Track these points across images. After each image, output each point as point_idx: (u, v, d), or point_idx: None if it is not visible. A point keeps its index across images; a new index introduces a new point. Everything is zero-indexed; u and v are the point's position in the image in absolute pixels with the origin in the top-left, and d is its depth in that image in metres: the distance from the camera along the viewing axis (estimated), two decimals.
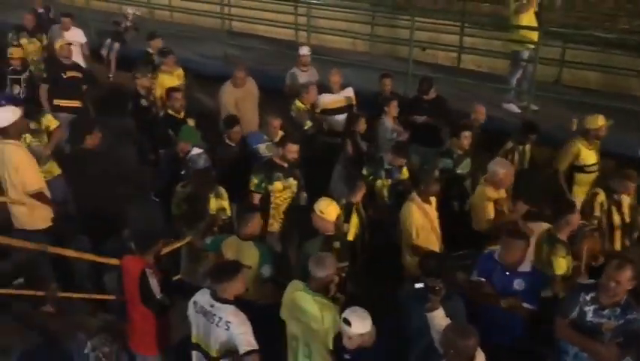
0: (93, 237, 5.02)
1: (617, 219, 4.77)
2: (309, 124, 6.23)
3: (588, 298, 3.34)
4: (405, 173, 5.18)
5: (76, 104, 6.95)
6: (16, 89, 7.25)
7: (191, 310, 3.42)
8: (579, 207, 4.78)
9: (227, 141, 5.53)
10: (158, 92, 6.79)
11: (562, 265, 3.96)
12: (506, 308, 3.66)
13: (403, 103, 6.33)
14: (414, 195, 4.52)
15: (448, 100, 6.66)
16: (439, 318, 3.24)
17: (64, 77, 6.93)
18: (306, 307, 3.39)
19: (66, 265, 4.78)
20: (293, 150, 4.90)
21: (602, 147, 5.53)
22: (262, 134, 5.85)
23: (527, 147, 5.67)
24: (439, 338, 3.12)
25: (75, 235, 5.06)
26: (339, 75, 6.60)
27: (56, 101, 6.83)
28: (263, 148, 5.59)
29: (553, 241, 4.04)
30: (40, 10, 9.04)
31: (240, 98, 6.56)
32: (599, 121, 5.33)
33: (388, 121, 6.05)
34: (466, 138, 5.35)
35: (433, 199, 4.62)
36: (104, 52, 9.22)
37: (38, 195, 4.61)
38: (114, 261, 4.25)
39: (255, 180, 4.89)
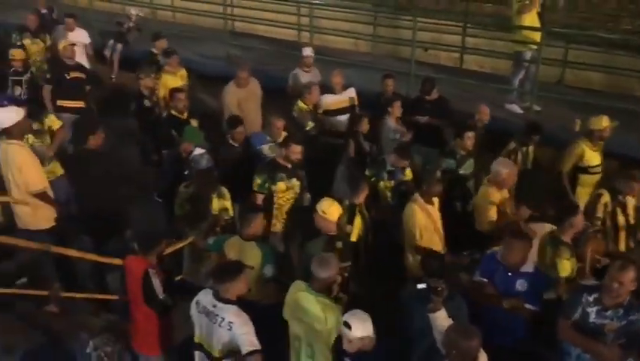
0: (96, 237, 5.03)
1: (621, 220, 4.75)
2: (311, 124, 6.23)
3: (591, 299, 3.34)
4: (408, 174, 5.16)
5: (79, 104, 6.95)
6: (18, 91, 7.25)
7: (193, 311, 3.43)
8: (582, 208, 4.78)
9: (230, 141, 5.54)
10: (162, 92, 6.81)
11: (566, 267, 3.95)
12: (508, 309, 3.66)
13: (406, 103, 6.33)
14: (416, 195, 4.52)
15: (451, 100, 6.66)
16: (441, 319, 3.24)
17: (68, 77, 6.94)
18: (308, 307, 3.39)
19: (69, 265, 4.79)
20: (296, 150, 4.91)
21: (605, 148, 5.52)
22: (265, 135, 5.85)
23: (530, 147, 5.66)
24: (441, 338, 3.12)
25: (78, 235, 5.08)
26: (341, 76, 6.60)
27: (59, 102, 6.84)
28: (266, 149, 5.60)
29: (557, 243, 4.03)
30: (44, 11, 9.05)
31: (242, 98, 6.57)
32: (604, 122, 5.32)
33: (391, 121, 6.04)
34: (470, 138, 5.34)
35: (435, 200, 4.61)
36: (107, 52, 9.24)
37: (41, 195, 4.62)
38: (117, 261, 4.26)
39: (258, 181, 4.90)
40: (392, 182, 5.10)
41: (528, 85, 7.37)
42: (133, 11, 9.67)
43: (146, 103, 6.62)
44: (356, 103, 6.61)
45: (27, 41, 8.12)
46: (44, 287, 4.57)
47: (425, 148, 6.15)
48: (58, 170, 5.50)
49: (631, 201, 4.77)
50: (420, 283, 3.35)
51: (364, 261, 4.55)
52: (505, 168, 4.70)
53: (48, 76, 7.14)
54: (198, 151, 5.28)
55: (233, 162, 5.34)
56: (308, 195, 5.02)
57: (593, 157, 5.35)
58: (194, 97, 6.96)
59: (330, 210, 4.14)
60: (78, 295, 4.68)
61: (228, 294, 3.30)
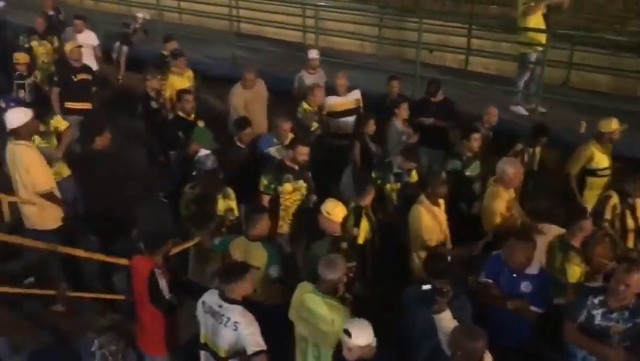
0: (102, 237, 5.06)
1: (630, 222, 4.73)
2: (315, 126, 6.24)
3: (596, 301, 3.34)
4: (413, 176, 5.15)
5: (86, 106, 6.98)
6: (21, 94, 7.25)
7: (199, 311, 3.44)
8: (591, 210, 4.76)
9: (237, 143, 5.54)
10: (168, 92, 6.84)
11: (576, 272, 3.93)
12: (513, 310, 3.65)
13: (411, 105, 6.32)
14: (422, 197, 4.50)
15: (456, 102, 6.66)
16: (446, 320, 3.23)
17: (75, 79, 6.97)
18: (315, 309, 3.39)
19: (76, 265, 4.82)
20: (303, 152, 4.91)
21: (612, 150, 5.51)
22: (272, 137, 5.85)
23: (537, 149, 5.65)
24: (446, 339, 3.12)
25: (85, 235, 5.11)
26: (346, 78, 6.60)
27: (67, 104, 6.87)
28: (273, 151, 5.59)
29: (567, 248, 4.01)
30: (51, 13, 9.10)
31: (249, 99, 6.59)
32: (613, 124, 5.30)
33: (398, 123, 6.03)
34: (476, 140, 5.33)
35: (441, 201, 4.60)
36: (114, 54, 9.30)
37: (48, 196, 4.66)
38: (123, 261, 4.28)
39: (264, 181, 4.91)
40: (398, 184, 5.08)
41: (533, 87, 7.36)
42: (139, 14, 9.72)
43: (153, 104, 6.65)
44: (361, 105, 6.61)
45: (34, 43, 8.16)
46: (51, 287, 4.60)
47: (430, 150, 6.14)
48: (65, 171, 5.52)
49: None
50: (425, 284, 3.35)
51: (371, 263, 4.54)
52: (511, 168, 4.69)
53: (55, 78, 7.17)
54: (204, 152, 5.30)
55: (240, 163, 5.34)
56: (314, 197, 5.02)
57: (601, 160, 5.33)
58: (199, 98, 6.99)
59: (334, 211, 4.15)
60: (85, 295, 4.71)
61: (234, 294, 3.31)
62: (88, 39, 8.23)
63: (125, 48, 9.33)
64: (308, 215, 4.79)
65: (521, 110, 7.29)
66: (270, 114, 6.77)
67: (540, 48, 7.12)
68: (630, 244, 4.78)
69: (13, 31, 9.03)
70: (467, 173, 5.31)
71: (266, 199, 4.89)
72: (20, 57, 7.24)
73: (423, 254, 4.28)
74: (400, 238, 4.65)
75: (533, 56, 7.26)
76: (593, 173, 5.34)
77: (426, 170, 5.68)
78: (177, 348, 3.89)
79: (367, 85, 7.06)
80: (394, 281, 4.30)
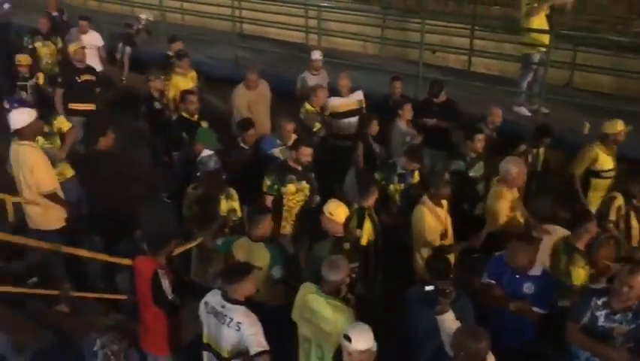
0: (106, 237, 5.07)
1: (635, 224, 4.72)
2: (317, 126, 6.24)
3: (600, 302, 3.34)
4: (416, 177, 5.15)
5: (90, 107, 6.99)
6: (23, 96, 7.22)
7: (202, 311, 3.45)
8: (595, 212, 4.75)
9: (241, 144, 5.55)
10: (172, 93, 6.85)
11: (581, 275, 3.92)
12: (515, 311, 3.65)
13: (414, 106, 6.32)
14: (425, 198, 4.50)
15: (459, 103, 6.65)
16: (449, 321, 3.24)
17: (79, 80, 6.97)
18: (319, 309, 3.39)
19: (79, 265, 4.83)
20: (306, 153, 4.92)
21: (616, 151, 5.49)
22: (275, 138, 5.85)
23: (541, 150, 5.64)
24: (449, 340, 3.12)
25: (88, 236, 5.12)
26: (348, 79, 6.60)
27: (71, 105, 6.86)
28: (277, 152, 5.60)
29: (571, 250, 3.99)
30: (54, 14, 9.12)
31: (252, 100, 6.60)
32: (618, 126, 5.28)
33: (402, 124, 6.03)
34: (480, 140, 5.33)
35: (444, 202, 4.60)
36: (117, 55, 9.32)
37: (52, 196, 4.67)
38: (126, 261, 4.29)
39: (267, 182, 4.92)
40: (402, 185, 5.07)
41: (536, 87, 7.35)
42: (142, 15, 9.75)
43: (156, 105, 6.66)
44: (363, 106, 6.61)
45: (38, 44, 8.18)
46: (55, 287, 4.62)
47: (433, 151, 6.14)
48: (68, 171, 5.52)
49: None
50: (428, 285, 3.35)
51: (374, 265, 4.54)
52: (514, 167, 4.69)
53: (59, 79, 7.17)
54: (206, 153, 5.31)
55: (243, 164, 5.34)
56: (317, 198, 5.03)
57: (606, 161, 5.31)
58: (202, 99, 7.00)
59: (337, 211, 4.15)
60: (88, 295, 4.72)
61: (237, 295, 3.32)
62: (92, 40, 8.25)
63: (127, 49, 9.35)
64: (311, 216, 4.79)
65: (524, 110, 7.28)
66: (273, 115, 6.78)
67: (543, 49, 7.11)
68: (635, 245, 4.76)
69: (15, 31, 9.06)
70: (471, 174, 5.30)
71: (269, 200, 4.90)
72: (22, 59, 7.22)
73: (426, 255, 4.28)
74: (403, 238, 4.65)
75: (536, 57, 7.26)
76: (598, 174, 5.33)
77: (428, 171, 5.68)
78: (180, 348, 3.90)
79: (370, 86, 7.07)
80: (397, 282, 4.30)
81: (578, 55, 8.05)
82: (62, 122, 5.74)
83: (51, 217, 4.73)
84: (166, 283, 3.64)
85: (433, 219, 4.42)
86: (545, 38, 7.09)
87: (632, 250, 4.65)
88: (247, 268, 3.45)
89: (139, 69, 8.82)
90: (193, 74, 7.25)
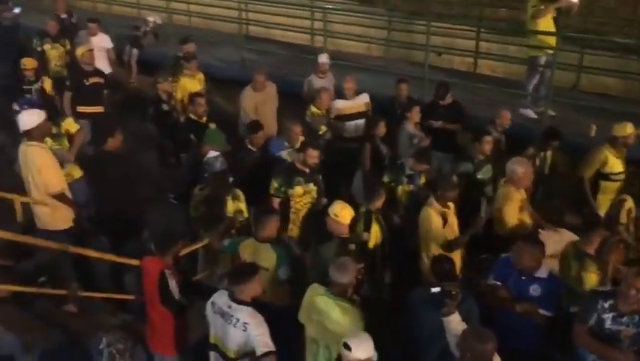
0: (113, 238, 5.10)
1: None
2: (323, 129, 6.26)
3: (606, 305, 3.33)
4: (423, 179, 5.13)
5: (98, 109, 6.99)
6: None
7: (209, 311, 3.46)
8: (604, 215, 4.74)
9: (248, 146, 5.55)
10: (179, 95, 6.87)
11: (593, 281, 3.91)
12: (521, 313, 3.65)
13: (420, 108, 6.32)
14: (432, 200, 4.50)
15: (464, 105, 6.65)
16: (455, 322, 3.24)
17: (87, 83, 6.97)
18: (328, 311, 3.40)
19: (87, 265, 4.86)
20: (313, 155, 4.92)
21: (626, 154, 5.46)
22: (283, 141, 5.85)
23: (548, 153, 5.63)
24: (455, 342, 3.12)
25: (96, 236, 5.15)
26: (353, 82, 6.60)
27: (79, 108, 6.86)
28: (285, 154, 5.61)
29: (582, 256, 3.98)
30: (63, 16, 9.16)
31: (259, 102, 6.62)
32: (628, 129, 5.25)
33: (410, 127, 6.03)
34: (488, 142, 5.32)
35: (451, 204, 4.59)
36: (125, 57, 9.37)
37: (60, 197, 4.70)
38: (134, 261, 4.32)
39: (275, 184, 4.92)
40: (411, 186, 5.07)
41: (543, 90, 7.33)
42: (150, 18, 9.79)
43: (164, 107, 6.69)
44: (369, 108, 6.60)
45: (47, 46, 8.20)
46: (63, 287, 4.65)
47: (439, 153, 6.14)
48: (76, 172, 5.55)
49: None
50: (434, 286, 3.35)
51: (381, 267, 4.54)
52: (520, 167, 4.68)
53: (67, 83, 7.17)
54: (212, 154, 5.33)
55: (250, 166, 5.35)
56: (324, 200, 5.03)
57: (615, 164, 5.29)
58: (209, 101, 7.03)
59: (342, 213, 4.16)
60: (96, 295, 4.75)
61: (243, 295, 3.33)
62: (102, 42, 8.28)
63: (134, 51, 9.39)
64: (316, 217, 4.80)
65: (530, 113, 7.27)
66: (279, 117, 6.80)
67: (550, 51, 7.09)
68: None
69: (24, 33, 9.12)
70: (479, 176, 5.30)
71: (276, 202, 4.90)
72: (28, 62, 7.16)
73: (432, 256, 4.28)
74: (410, 240, 4.65)
75: (543, 59, 7.24)
76: (607, 177, 5.30)
77: (435, 173, 5.68)
78: (187, 349, 3.91)
79: (375, 88, 7.07)
80: (404, 284, 4.30)
81: (584, 57, 8.02)
82: (70, 124, 5.77)
83: (59, 218, 4.76)
84: (173, 284, 3.66)
85: (440, 221, 4.41)
86: (552, 40, 7.07)
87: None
88: (253, 269, 3.46)
89: (146, 71, 8.88)
90: (200, 76, 7.28)
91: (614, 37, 9.16)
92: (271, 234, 4.09)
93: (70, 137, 5.68)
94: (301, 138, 5.64)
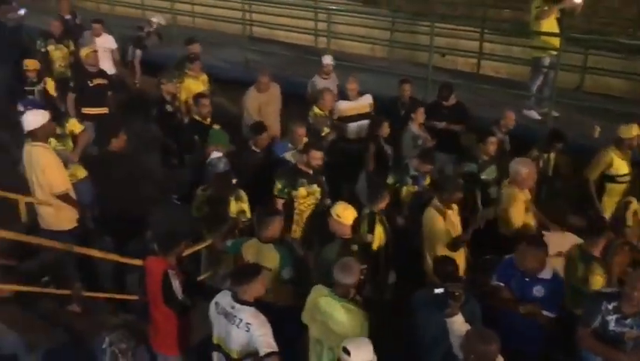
0: (117, 238, 5.11)
1: None
2: (326, 130, 6.25)
3: (610, 307, 3.32)
4: (428, 179, 5.13)
5: (103, 111, 7.00)
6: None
7: (212, 311, 3.46)
8: (609, 217, 4.72)
9: (252, 147, 5.54)
10: (183, 96, 6.88)
11: (599, 283, 3.89)
12: (525, 314, 3.64)
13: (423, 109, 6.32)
14: (435, 200, 4.49)
15: (468, 106, 6.64)
16: (458, 323, 3.23)
17: (91, 84, 6.98)
18: (332, 312, 3.40)
19: (91, 265, 4.88)
20: (317, 156, 4.91)
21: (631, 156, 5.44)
22: (287, 142, 5.82)
23: (552, 155, 5.62)
24: (458, 343, 3.12)
25: (100, 236, 5.17)
26: (356, 83, 6.59)
27: (83, 110, 6.86)
28: (289, 156, 5.58)
29: (588, 259, 3.96)
30: (67, 17, 9.19)
31: (263, 102, 6.63)
32: (634, 130, 5.23)
33: (415, 127, 6.01)
34: (492, 143, 5.32)
35: (455, 205, 4.58)
36: (129, 58, 9.39)
37: (64, 197, 4.73)
38: (137, 262, 4.33)
39: (278, 186, 4.91)
40: (416, 187, 5.06)
41: (547, 91, 7.32)
42: (154, 19, 9.81)
43: (168, 108, 6.70)
44: (372, 109, 6.60)
45: (51, 47, 8.22)
46: (66, 287, 4.66)
47: (442, 154, 6.13)
48: (80, 172, 5.57)
49: None
50: (437, 287, 3.35)
51: (384, 269, 4.53)
52: (524, 168, 4.67)
53: (71, 84, 7.18)
54: (216, 155, 5.34)
55: (254, 168, 5.34)
56: (328, 201, 5.02)
57: (621, 166, 5.27)
58: (213, 102, 7.04)
59: (344, 213, 4.16)
60: (99, 295, 4.76)
61: (246, 296, 3.33)
62: (106, 42, 8.30)
63: (138, 52, 9.40)
64: (320, 218, 4.80)
65: (534, 114, 7.25)
66: (283, 118, 6.80)
67: (554, 52, 7.08)
68: None
69: (28, 34, 9.15)
70: (483, 176, 5.30)
71: (280, 203, 4.88)
72: (30, 63, 7.13)
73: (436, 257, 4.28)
74: (414, 241, 4.64)
75: (547, 60, 7.23)
76: (612, 179, 5.29)
77: (438, 174, 5.67)
78: (190, 349, 3.92)
79: (378, 88, 7.07)
80: (408, 285, 4.30)
81: (588, 58, 8.00)
82: (74, 125, 5.79)
83: (63, 218, 4.78)
84: (176, 284, 3.67)
85: (444, 222, 4.40)
86: (556, 41, 7.05)
87: None
88: (256, 270, 3.46)
89: (150, 72, 8.89)
90: (204, 77, 7.28)
91: (618, 37, 9.13)
92: (274, 234, 4.09)
93: (75, 137, 5.70)
94: (305, 140, 5.62)
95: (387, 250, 4.52)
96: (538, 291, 3.67)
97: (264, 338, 3.19)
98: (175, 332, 3.80)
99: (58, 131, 5.52)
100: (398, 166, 5.35)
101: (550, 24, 7.10)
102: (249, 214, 4.88)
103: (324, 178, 5.10)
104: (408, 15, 10.80)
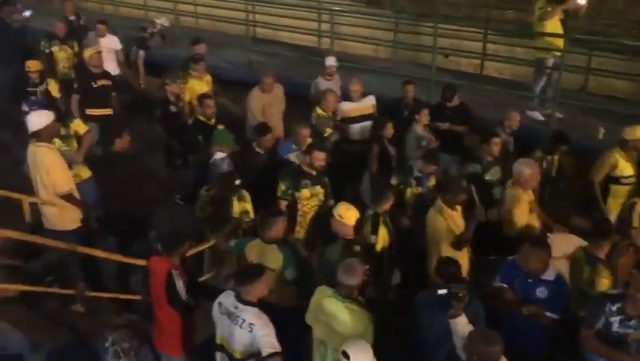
0: (121, 238, 5.13)
1: None
2: (329, 131, 6.25)
3: (614, 308, 3.31)
4: (432, 181, 5.11)
5: (107, 112, 7.01)
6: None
7: (216, 311, 3.47)
8: (616, 219, 4.70)
9: (256, 148, 5.53)
10: (187, 96, 6.89)
11: (606, 285, 3.88)
12: (528, 316, 3.63)
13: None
14: (439, 201, 4.49)
15: (471, 107, 6.64)
16: (462, 324, 3.23)
17: (95, 86, 6.99)
18: (337, 313, 3.40)
19: (94, 265, 4.89)
20: (320, 157, 4.91)
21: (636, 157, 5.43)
22: (291, 143, 5.82)
23: (556, 156, 5.61)
24: (462, 344, 3.12)
25: (103, 236, 5.18)
26: (360, 84, 6.59)
27: (88, 111, 6.86)
28: (293, 157, 5.58)
29: (594, 261, 3.95)
30: (72, 18, 9.22)
31: (267, 103, 6.64)
32: (638, 132, 5.21)
33: (419, 129, 6.01)
34: (496, 144, 5.31)
35: (459, 206, 4.57)
36: (132, 59, 9.41)
37: (68, 197, 4.74)
38: (141, 262, 4.34)
39: (282, 187, 4.90)
40: (420, 189, 5.04)
41: (550, 92, 7.30)
42: (158, 20, 9.83)
43: (172, 109, 6.71)
44: (375, 110, 6.59)
45: (55, 48, 8.24)
46: (70, 287, 4.68)
47: (446, 155, 6.12)
48: (84, 173, 5.59)
49: None
50: (441, 288, 3.35)
51: (388, 270, 4.53)
52: (527, 168, 4.66)
53: (75, 85, 7.19)
54: (219, 155, 5.35)
55: (258, 169, 5.34)
56: (332, 202, 5.02)
57: (626, 167, 5.25)
58: (216, 102, 7.05)
59: (346, 214, 4.16)
60: (103, 295, 4.77)
61: (249, 296, 3.34)
62: (110, 43, 8.31)
63: (141, 52, 9.42)
64: (324, 220, 4.80)
65: (537, 115, 7.24)
66: (286, 119, 6.81)
67: (557, 53, 7.07)
68: None
69: (32, 35, 9.19)
70: (487, 177, 5.28)
71: (283, 205, 4.88)
72: (32, 65, 7.13)
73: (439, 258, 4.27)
74: (418, 241, 4.64)
75: (550, 61, 7.22)
76: (617, 181, 5.27)
77: (442, 175, 5.67)
78: (193, 349, 3.93)
79: (382, 89, 7.07)
80: (412, 286, 4.29)
81: (592, 59, 7.98)
82: (79, 125, 5.81)
83: (67, 218, 4.80)
84: (180, 284, 3.68)
85: (448, 223, 4.40)
86: (559, 42, 7.04)
87: None
88: (260, 270, 3.47)
89: (153, 73, 8.92)
90: (208, 77, 7.30)
91: (622, 39, 9.12)
92: (277, 235, 4.09)
93: (79, 138, 5.72)
94: (309, 141, 5.61)
95: (391, 251, 4.51)
96: (541, 292, 3.66)
97: (266, 339, 3.20)
98: (179, 332, 3.81)
99: (63, 131, 5.53)
100: (402, 167, 5.33)
101: (554, 25, 7.08)
102: (252, 214, 4.89)
103: (327, 179, 5.10)
104: (411, 16, 10.81)
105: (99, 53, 7.23)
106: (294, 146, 5.72)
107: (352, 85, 6.59)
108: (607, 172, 5.28)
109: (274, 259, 3.96)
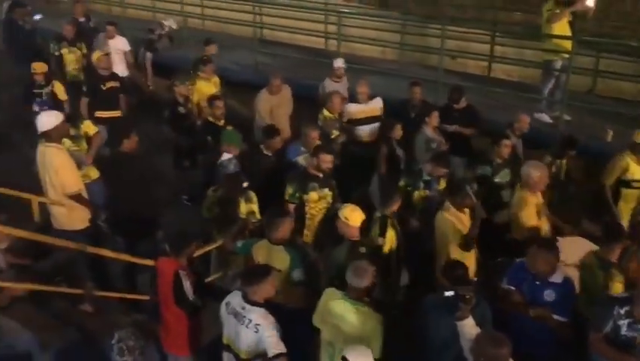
0: (128, 238, 5.16)
1: None
2: (335, 133, 6.26)
3: (622, 311, 3.30)
4: (442, 184, 5.07)
5: (116, 114, 7.05)
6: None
7: (223, 312, 3.48)
8: (628, 223, 4.67)
9: (264, 150, 5.51)
10: (196, 98, 6.92)
11: (619, 290, 3.85)
12: (535, 318, 3.62)
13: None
14: (447, 204, 4.47)
15: (479, 109, 6.62)
16: (469, 326, 3.22)
17: (104, 88, 7.02)
18: (345, 315, 3.40)
19: (102, 265, 4.92)
20: (327, 160, 4.89)
21: None
22: (299, 145, 5.79)
23: (564, 161, 5.58)
24: (469, 346, 3.11)
25: (111, 236, 5.21)
26: (367, 86, 6.58)
27: (97, 113, 6.88)
28: (301, 160, 5.57)
29: (607, 266, 3.92)
30: (81, 19, 9.28)
31: (275, 105, 6.65)
32: None
33: (428, 131, 5.99)
34: (506, 146, 5.29)
35: (467, 210, 4.55)
36: (140, 60, 9.47)
37: (77, 197, 4.78)
38: (149, 262, 4.36)
39: (289, 190, 4.89)
40: (428, 192, 5.02)
41: (558, 94, 7.28)
42: (166, 22, 9.88)
43: (181, 110, 6.75)
44: (382, 113, 6.58)
45: (64, 50, 8.28)
46: (79, 286, 4.71)
47: (453, 157, 6.09)
48: (93, 173, 5.64)
49: None
50: (448, 290, 3.34)
51: (396, 273, 4.52)
52: (536, 171, 4.64)
53: (84, 88, 7.22)
54: (226, 156, 5.37)
55: (266, 171, 5.33)
56: (340, 204, 5.01)
57: (637, 171, 5.22)
58: (224, 104, 7.07)
59: (352, 215, 4.16)
60: (111, 295, 4.80)
61: (256, 296, 3.35)
62: (119, 45, 8.37)
63: (149, 54, 9.48)
64: (332, 222, 4.79)
65: (545, 117, 7.21)
66: (294, 121, 6.82)
67: (565, 55, 7.04)
68: None
69: (42, 37, 9.26)
70: (496, 180, 5.27)
71: (291, 208, 4.85)
72: (37, 67, 7.12)
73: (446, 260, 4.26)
74: (426, 243, 4.64)
75: (558, 64, 7.19)
76: (628, 184, 5.23)
77: (450, 177, 5.65)
78: (200, 349, 3.94)
79: (389, 91, 7.07)
80: (419, 288, 4.29)
81: (600, 61, 7.95)
82: (89, 126, 5.86)
83: (75, 218, 4.83)
84: (187, 284, 3.69)
85: (456, 225, 4.38)
86: (567, 44, 7.01)
87: None
88: (267, 270, 3.48)
89: (161, 74, 8.96)
90: (216, 79, 7.33)
91: (630, 41, 9.06)
92: (284, 236, 4.09)
93: (89, 139, 5.76)
94: (318, 143, 5.61)
95: (399, 253, 4.50)
96: (549, 295, 3.64)
97: (272, 339, 3.21)
98: (186, 333, 3.82)
99: (73, 132, 5.57)
100: (410, 169, 5.32)
101: (561, 27, 7.06)
102: (258, 215, 4.89)
103: (334, 182, 5.08)
104: (418, 18, 10.79)
105: (107, 55, 7.27)
106: (302, 148, 5.70)
107: (360, 87, 6.59)
108: (618, 176, 5.25)
109: (281, 259, 3.97)
